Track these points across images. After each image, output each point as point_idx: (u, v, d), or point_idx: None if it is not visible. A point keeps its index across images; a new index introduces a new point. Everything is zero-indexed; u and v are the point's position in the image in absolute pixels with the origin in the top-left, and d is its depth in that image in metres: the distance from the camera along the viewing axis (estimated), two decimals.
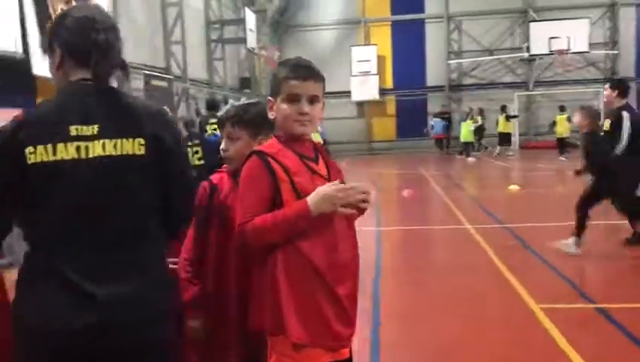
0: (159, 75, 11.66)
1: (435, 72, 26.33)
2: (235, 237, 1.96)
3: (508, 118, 21.14)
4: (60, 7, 8.31)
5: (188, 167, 1.94)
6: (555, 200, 10.06)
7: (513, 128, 22.14)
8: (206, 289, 2.33)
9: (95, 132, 1.61)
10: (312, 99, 1.99)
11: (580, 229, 6.26)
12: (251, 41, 17.00)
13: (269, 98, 2.03)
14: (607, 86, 6.71)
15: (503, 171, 16.49)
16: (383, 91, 26.26)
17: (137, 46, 12.09)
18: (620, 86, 6.55)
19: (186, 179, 1.84)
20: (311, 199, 1.89)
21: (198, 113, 14.22)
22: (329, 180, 2.00)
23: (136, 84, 11.07)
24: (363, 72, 25.65)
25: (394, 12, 26.54)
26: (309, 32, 26.97)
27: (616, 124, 6.26)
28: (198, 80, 15.78)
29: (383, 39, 26.60)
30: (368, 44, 26.33)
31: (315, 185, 1.95)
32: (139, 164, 1.66)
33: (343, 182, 2.03)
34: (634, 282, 5.63)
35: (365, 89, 25.80)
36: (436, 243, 7.65)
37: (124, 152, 1.63)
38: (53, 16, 8.01)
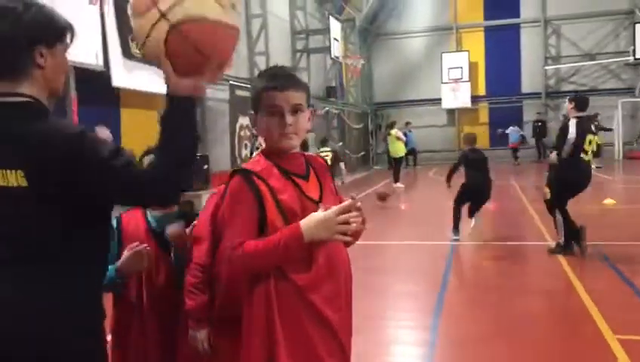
0: (243, 85, 11.86)
1: (530, 79, 25.17)
2: (222, 261, 1.84)
3: (598, 129, 19.73)
4: None
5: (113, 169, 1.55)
6: None
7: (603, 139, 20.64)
8: (215, 301, 2.21)
9: None
10: (295, 109, 1.83)
11: None
12: (336, 50, 16.99)
13: (250, 112, 1.90)
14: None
15: (599, 183, 15.38)
16: (475, 98, 25.44)
17: None
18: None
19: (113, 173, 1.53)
20: (305, 225, 1.74)
21: None
22: (320, 200, 1.83)
23: (221, 95, 11.33)
24: (454, 79, 25.01)
25: (487, 17, 25.67)
26: (399, 39, 26.67)
27: None
28: None
29: (475, 45, 25.79)
30: (460, 51, 25.62)
31: (303, 204, 1.79)
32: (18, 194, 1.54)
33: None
34: None
35: (456, 96, 25.14)
36: (512, 260, 7.16)
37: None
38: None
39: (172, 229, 2.23)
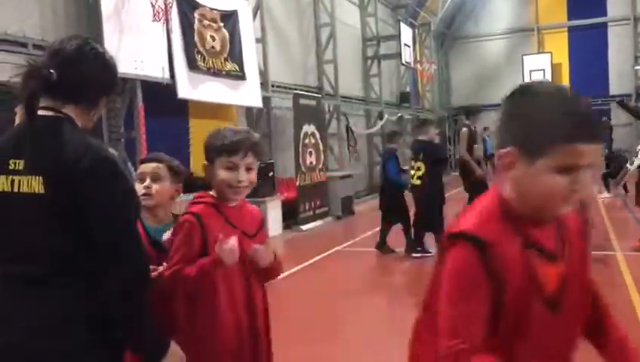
0: (305, 93, 12.09)
1: (619, 80, 23.86)
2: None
3: None
4: (209, 35, 9.07)
5: (112, 211, 1.66)
6: None
7: None
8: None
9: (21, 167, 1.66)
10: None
11: None
12: (407, 55, 16.92)
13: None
14: None
15: None
16: None
17: (288, 66, 12.70)
18: None
19: (104, 223, 1.63)
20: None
21: (347, 129, 14.51)
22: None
23: (287, 103, 11.60)
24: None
25: (571, 17, 24.62)
26: (477, 42, 26.11)
27: None
28: (353, 97, 16.10)
29: (558, 46, 24.80)
30: (542, 52, 24.72)
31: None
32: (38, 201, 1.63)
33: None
34: None
35: None
36: None
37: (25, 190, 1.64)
38: (199, 44, 8.74)
39: (168, 238, 2.40)
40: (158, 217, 2.47)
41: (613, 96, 23.95)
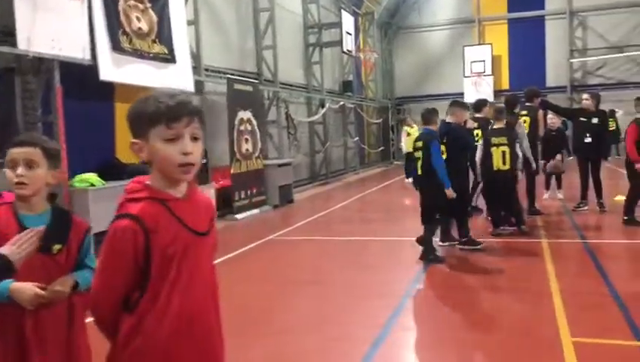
0: (241, 78, 11.81)
1: (555, 72, 24.55)
2: None
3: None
4: (135, 15, 8.69)
5: None
6: None
7: None
8: None
9: None
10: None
11: None
12: (349, 43, 16.82)
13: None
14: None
15: (617, 180, 14.89)
16: (498, 93, 24.90)
17: (224, 50, 12.38)
18: None
19: None
20: None
21: (287, 116, 14.32)
22: None
23: (220, 88, 11.28)
24: (477, 73, 24.56)
25: (511, 9, 25.12)
26: (421, 33, 26.34)
27: None
28: (294, 84, 15.91)
29: (498, 38, 25.28)
30: (483, 44, 25.13)
31: None
32: None
33: None
34: None
35: (479, 91, 24.63)
36: (502, 256, 6.94)
37: None
38: (125, 24, 8.35)
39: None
40: (34, 206, 2.25)
41: (549, 88, 24.65)
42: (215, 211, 1.99)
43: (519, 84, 24.93)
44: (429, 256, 6.59)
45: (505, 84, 25.29)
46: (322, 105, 17.12)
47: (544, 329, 4.34)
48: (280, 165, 12.21)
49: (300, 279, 6.41)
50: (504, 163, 7.62)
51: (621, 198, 10.78)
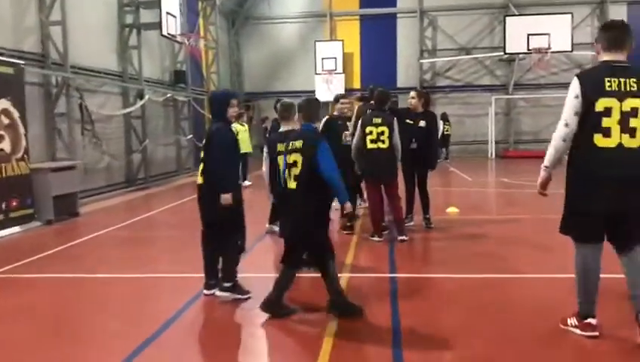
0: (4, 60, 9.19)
1: (406, 72, 23.98)
2: None
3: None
4: None
5: None
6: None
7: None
8: None
9: None
10: None
11: None
12: (172, 27, 14.52)
13: None
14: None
15: (448, 190, 14.04)
16: (349, 91, 23.81)
17: None
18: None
19: None
20: None
21: (81, 107, 11.76)
22: None
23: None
24: (328, 70, 23.22)
25: (363, 5, 24.17)
26: (271, 24, 24.68)
27: None
28: (104, 70, 13.39)
29: (350, 35, 24.23)
30: (334, 40, 23.88)
31: None
32: None
33: None
34: None
35: (330, 89, 23.32)
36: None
37: None
38: None
39: None
40: None
41: (400, 89, 23.97)
42: None
43: (371, 83, 24.05)
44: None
45: (357, 83, 24.29)
46: (140, 97, 14.69)
47: None
48: (56, 169, 9.69)
49: None
50: None
51: (454, 210, 9.66)
